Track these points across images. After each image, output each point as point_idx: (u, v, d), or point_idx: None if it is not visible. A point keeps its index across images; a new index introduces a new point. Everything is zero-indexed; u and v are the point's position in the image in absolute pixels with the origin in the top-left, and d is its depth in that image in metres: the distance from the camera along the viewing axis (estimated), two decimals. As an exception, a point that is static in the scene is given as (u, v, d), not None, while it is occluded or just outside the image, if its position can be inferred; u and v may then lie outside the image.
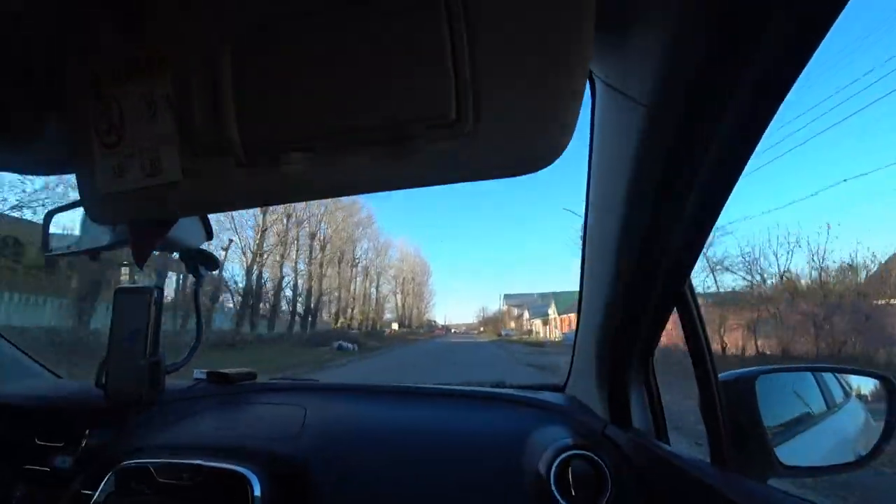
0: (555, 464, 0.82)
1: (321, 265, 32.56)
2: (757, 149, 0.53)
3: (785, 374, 1.05)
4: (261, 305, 23.48)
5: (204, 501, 0.85)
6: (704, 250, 0.81)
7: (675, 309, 0.80)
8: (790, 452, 0.87)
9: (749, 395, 0.86)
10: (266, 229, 24.42)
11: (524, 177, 0.36)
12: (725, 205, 0.60)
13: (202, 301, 1.04)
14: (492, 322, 79.28)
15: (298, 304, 28.53)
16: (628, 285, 0.78)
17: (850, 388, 1.10)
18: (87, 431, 1.02)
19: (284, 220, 25.55)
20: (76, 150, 0.47)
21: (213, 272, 0.96)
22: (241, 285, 22.29)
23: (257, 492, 0.83)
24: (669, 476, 0.78)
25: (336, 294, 36.50)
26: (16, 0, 0.44)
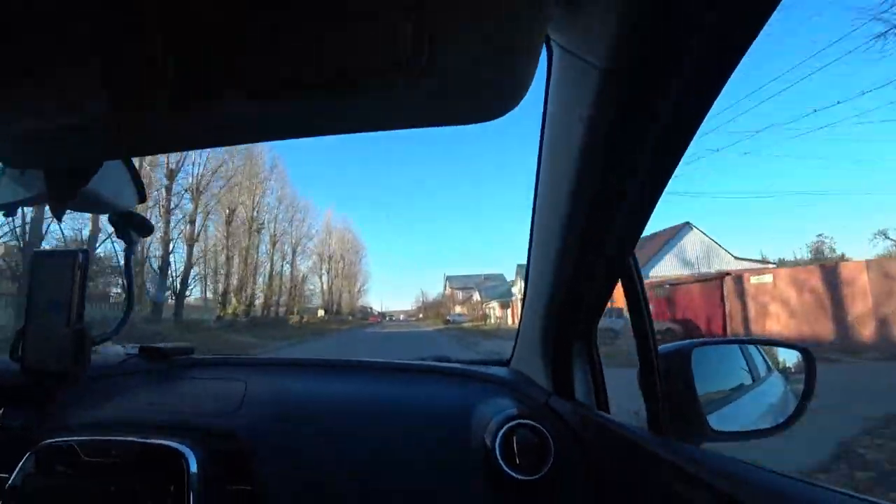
0: (500, 434, 0.83)
1: (192, 222, 24.26)
2: (705, 123, 0.55)
3: (716, 347, 1.11)
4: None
5: (136, 479, 0.81)
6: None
7: (619, 282, 0.82)
8: (720, 419, 0.92)
9: (685, 366, 0.90)
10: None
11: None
12: (672, 177, 0.61)
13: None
14: (433, 308, 73.52)
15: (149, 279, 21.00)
16: (575, 256, 0.79)
17: (773, 360, 1.19)
18: (0, 410, 0.93)
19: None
20: None
21: (145, 237, 0.89)
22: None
23: (193, 468, 0.79)
24: (609, 442, 0.81)
25: (224, 269, 28.04)
26: None
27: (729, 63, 0.46)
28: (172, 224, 23.34)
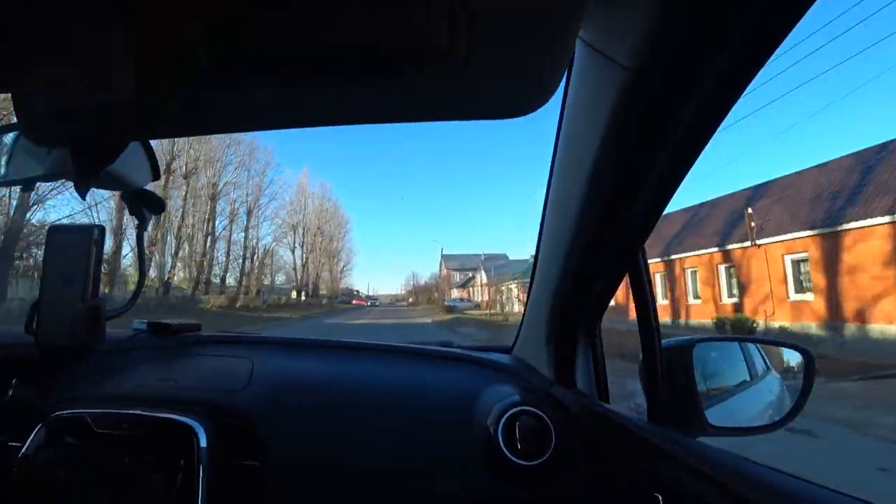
0: (502, 419, 0.85)
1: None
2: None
3: (717, 344, 1.13)
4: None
5: (146, 452, 0.82)
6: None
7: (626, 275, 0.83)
8: (718, 414, 0.94)
9: (687, 361, 0.92)
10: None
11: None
12: (687, 175, 0.62)
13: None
14: (424, 292, 64.93)
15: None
16: (585, 248, 0.80)
17: (772, 358, 1.20)
18: (13, 381, 0.95)
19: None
20: (11, 64, 0.41)
21: (157, 214, 0.90)
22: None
23: (203, 443, 0.81)
24: (609, 431, 0.82)
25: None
26: None
27: (756, 63, 0.46)
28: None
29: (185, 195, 28.07)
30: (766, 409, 1.21)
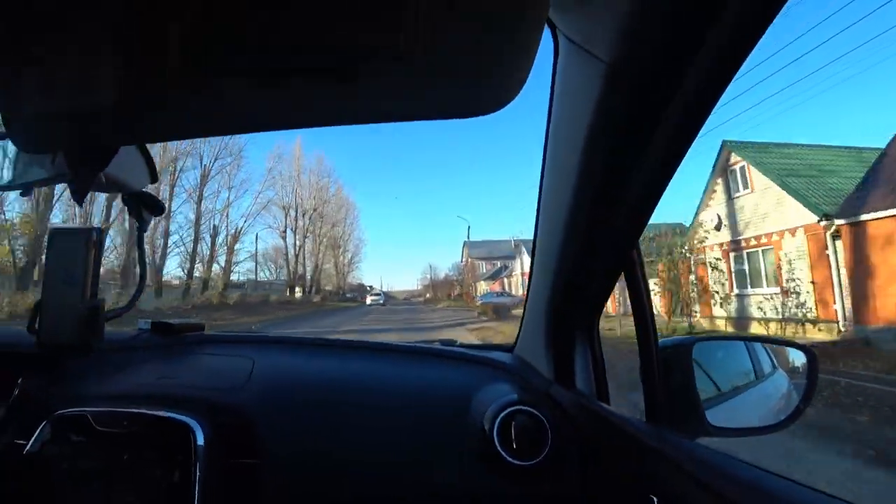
0: (499, 418, 0.85)
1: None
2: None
3: (719, 342, 1.11)
4: None
5: (145, 450, 0.84)
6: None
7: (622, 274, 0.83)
8: (719, 415, 0.93)
9: (685, 360, 0.91)
10: None
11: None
12: (677, 169, 0.61)
13: None
14: (444, 286, 54.70)
15: None
16: (579, 248, 0.80)
17: (777, 358, 1.18)
18: (19, 379, 0.97)
19: None
20: None
21: (158, 216, 0.91)
22: None
23: (200, 441, 0.82)
24: (606, 432, 0.82)
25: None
26: None
27: (742, 54, 0.46)
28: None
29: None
30: (771, 409, 1.19)
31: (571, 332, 0.97)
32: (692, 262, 14.81)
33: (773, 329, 12.19)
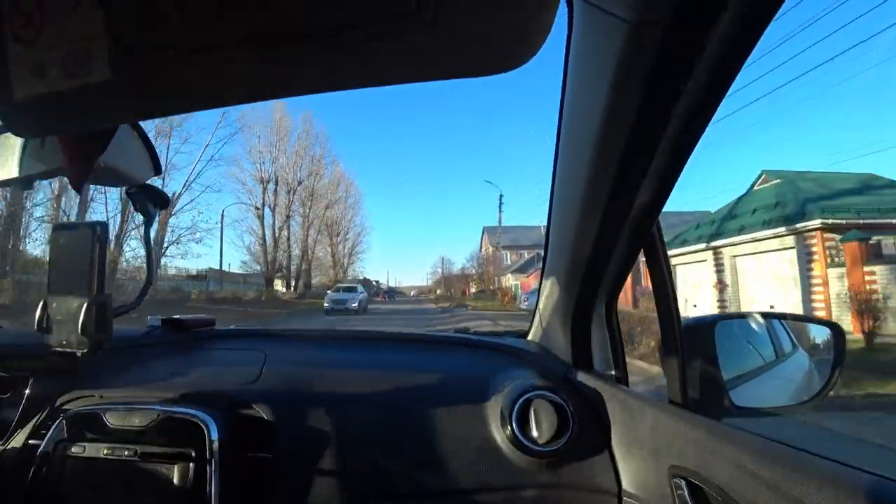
0: (518, 403, 0.83)
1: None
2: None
3: (741, 321, 1.09)
4: None
5: (159, 446, 0.83)
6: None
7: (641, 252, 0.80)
8: (742, 394, 0.91)
9: (709, 339, 0.89)
10: None
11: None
12: (699, 140, 0.58)
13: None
14: (457, 282, 46.36)
15: None
16: (596, 225, 0.77)
17: (799, 336, 1.16)
18: (29, 380, 0.96)
19: None
20: None
21: (162, 209, 0.90)
22: None
23: (214, 436, 0.81)
24: (629, 415, 0.80)
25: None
26: None
27: (768, 13, 0.43)
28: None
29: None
30: (794, 387, 1.18)
31: (589, 315, 0.94)
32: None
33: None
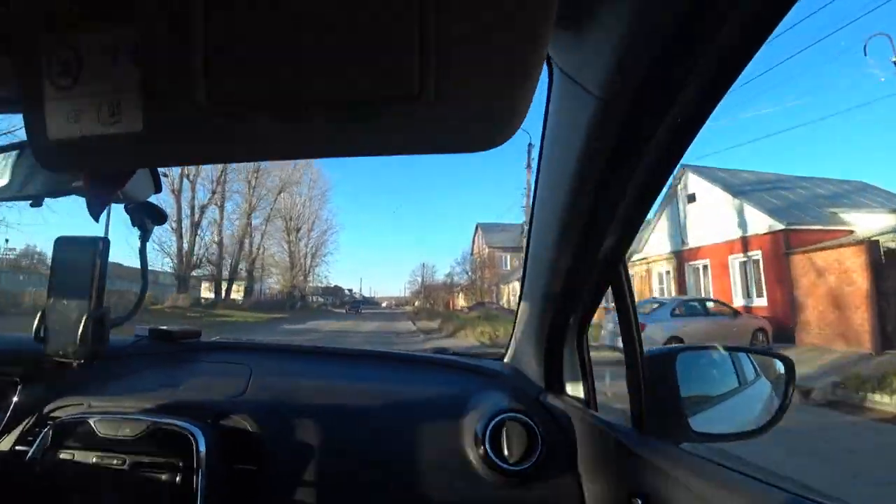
0: (491, 424, 0.88)
1: None
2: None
3: (702, 352, 1.15)
4: None
5: (147, 456, 0.85)
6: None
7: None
8: (703, 421, 0.96)
9: (670, 369, 0.94)
10: None
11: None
12: (661, 193, 0.65)
13: None
14: (440, 292, 37.94)
15: None
16: (569, 262, 0.83)
17: (759, 367, 1.23)
18: (18, 386, 0.98)
19: None
20: (25, 91, 0.45)
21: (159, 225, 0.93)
22: None
23: (202, 447, 0.84)
24: (595, 438, 0.85)
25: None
26: None
27: (724, 86, 0.49)
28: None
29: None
30: (753, 415, 1.23)
31: (561, 341, 1.00)
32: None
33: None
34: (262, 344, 1.28)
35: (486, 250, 34.75)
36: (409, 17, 0.34)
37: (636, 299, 0.89)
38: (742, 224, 14.20)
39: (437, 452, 0.91)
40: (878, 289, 10.63)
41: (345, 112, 0.37)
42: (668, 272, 17.21)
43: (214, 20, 0.38)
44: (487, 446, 0.87)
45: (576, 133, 0.61)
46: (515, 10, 0.35)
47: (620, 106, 0.54)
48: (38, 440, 0.88)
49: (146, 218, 0.92)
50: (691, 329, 11.07)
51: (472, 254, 36.62)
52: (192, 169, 27.02)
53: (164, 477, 0.83)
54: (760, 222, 13.55)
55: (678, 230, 16.45)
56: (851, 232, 12.82)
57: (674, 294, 15.88)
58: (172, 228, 25.55)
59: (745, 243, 14.08)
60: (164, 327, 1.22)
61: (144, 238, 0.97)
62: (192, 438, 0.84)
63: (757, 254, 13.73)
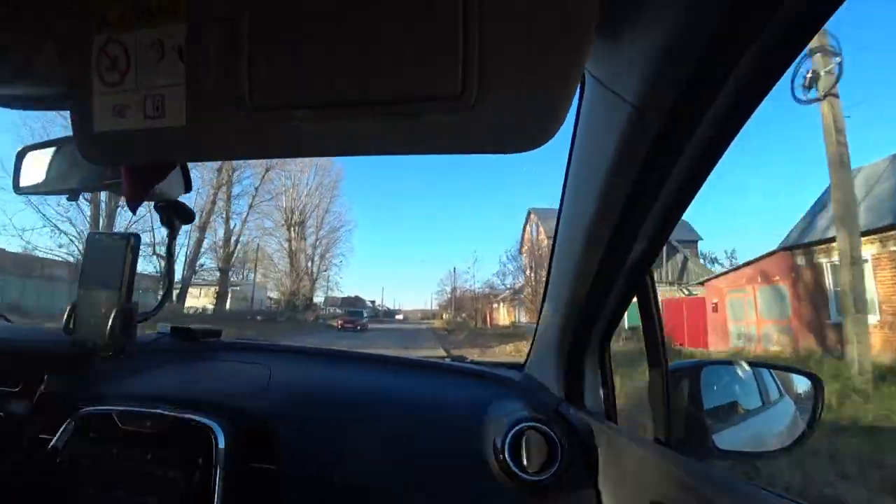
0: (510, 433, 0.87)
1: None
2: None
3: (727, 367, 1.13)
4: None
5: (167, 451, 0.86)
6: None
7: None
8: (726, 438, 0.95)
9: (694, 383, 0.93)
10: None
11: None
12: (691, 203, 0.65)
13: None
14: (475, 303, 31.28)
15: None
16: (595, 271, 0.82)
17: (784, 385, 1.20)
18: (44, 377, 1.00)
19: None
20: (73, 85, 0.46)
21: (186, 225, 0.95)
22: None
23: (221, 444, 0.85)
24: (615, 451, 0.84)
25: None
26: None
27: (761, 94, 0.49)
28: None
29: None
30: (776, 434, 1.21)
31: (583, 352, 0.99)
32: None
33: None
34: (279, 346, 1.30)
35: (546, 242, 23.58)
36: (453, 20, 0.35)
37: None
38: None
39: (456, 460, 0.91)
40: None
41: (386, 111, 0.37)
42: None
43: (259, 21, 0.39)
44: (507, 455, 0.86)
45: (609, 140, 0.61)
46: (558, 17, 0.35)
47: (655, 113, 0.53)
48: (61, 430, 0.89)
49: (175, 217, 0.94)
50: None
51: (519, 251, 28.22)
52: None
53: (183, 472, 0.84)
54: None
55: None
56: None
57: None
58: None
59: None
60: (186, 326, 1.24)
61: (172, 236, 0.98)
62: (212, 434, 0.85)
63: None
